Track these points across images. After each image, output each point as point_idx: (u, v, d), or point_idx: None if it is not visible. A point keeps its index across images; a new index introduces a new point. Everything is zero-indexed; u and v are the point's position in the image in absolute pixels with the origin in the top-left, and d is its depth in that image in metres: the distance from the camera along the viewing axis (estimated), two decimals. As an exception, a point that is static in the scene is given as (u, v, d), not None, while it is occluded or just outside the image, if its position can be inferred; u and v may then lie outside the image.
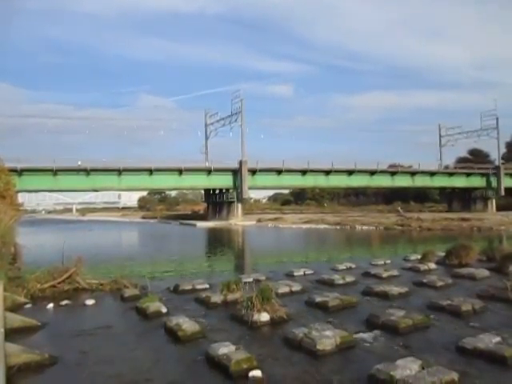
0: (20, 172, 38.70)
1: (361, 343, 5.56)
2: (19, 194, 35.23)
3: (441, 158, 64.59)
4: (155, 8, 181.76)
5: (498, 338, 5.34)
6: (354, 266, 11.89)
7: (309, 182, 52.12)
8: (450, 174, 58.60)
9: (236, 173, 48.13)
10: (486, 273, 10.29)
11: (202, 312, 7.36)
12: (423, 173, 56.77)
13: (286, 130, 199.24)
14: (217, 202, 52.91)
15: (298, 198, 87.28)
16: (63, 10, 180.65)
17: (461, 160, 70.08)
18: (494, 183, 58.07)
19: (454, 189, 61.10)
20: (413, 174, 56.67)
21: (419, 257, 13.24)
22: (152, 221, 60.53)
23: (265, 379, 4.51)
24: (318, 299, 7.62)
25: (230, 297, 7.88)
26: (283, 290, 8.60)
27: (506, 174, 58.57)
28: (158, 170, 45.26)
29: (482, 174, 58.92)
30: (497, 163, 60.80)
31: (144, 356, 5.32)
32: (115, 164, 43.68)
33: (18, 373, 4.75)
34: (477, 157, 70.77)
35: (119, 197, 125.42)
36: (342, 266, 11.71)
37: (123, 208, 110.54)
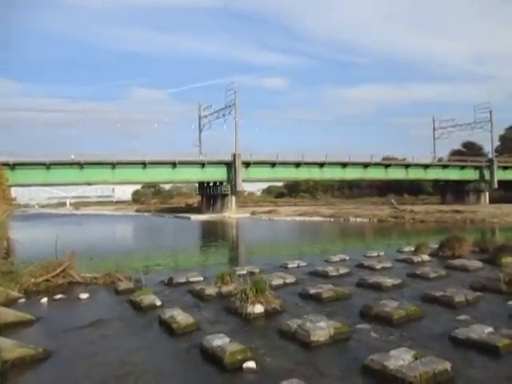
0: (12, 166, 38.40)
1: (354, 334, 5.59)
2: (12, 189, 34.99)
3: (434, 151, 64.88)
4: (150, 0, 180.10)
5: (491, 329, 5.39)
6: (347, 257, 11.94)
7: (303, 174, 52.19)
8: (444, 167, 58.86)
9: (230, 165, 48.08)
10: (478, 264, 10.37)
11: (197, 304, 7.37)
12: (417, 165, 56.97)
13: (280, 123, 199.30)
14: (211, 194, 52.88)
15: (292, 190, 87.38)
16: (57, 2, 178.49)
17: (454, 153, 70.37)
18: (487, 176, 58.41)
19: (447, 181, 61.39)
20: (407, 166, 56.86)
21: (413, 249, 13.31)
22: (146, 214, 60.39)
23: (259, 370, 4.53)
24: (312, 291, 7.64)
25: (225, 289, 7.89)
26: (277, 282, 8.62)
27: (499, 167, 58.92)
28: (152, 164, 45.11)
29: (476, 167, 59.23)
30: (490, 156, 61.15)
31: (139, 348, 5.33)
32: (109, 157, 43.47)
33: (13, 367, 4.73)
34: (470, 149, 71.10)
35: (113, 190, 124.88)
36: (335, 258, 11.74)
37: (117, 202, 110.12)
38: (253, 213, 47.84)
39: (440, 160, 62.67)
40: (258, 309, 6.52)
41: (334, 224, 34.67)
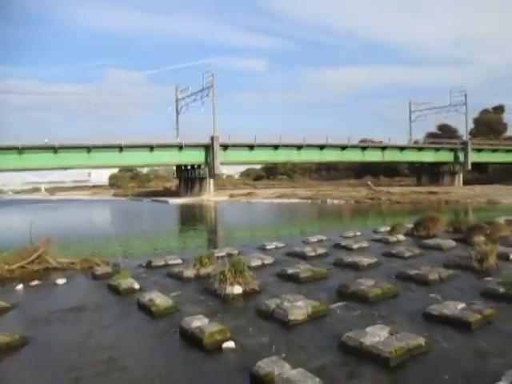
0: (-18, 150, 37.29)
1: (332, 312, 5.69)
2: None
3: (410, 133, 65.85)
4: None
5: (463, 305, 5.55)
6: (325, 238, 12.07)
7: (281, 156, 52.28)
8: (420, 149, 59.79)
9: (208, 148, 47.77)
10: (452, 243, 10.63)
11: (175, 287, 7.35)
12: (393, 147, 57.71)
13: (259, 105, 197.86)
14: (189, 178, 52.56)
15: (270, 173, 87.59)
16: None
17: (430, 135, 71.53)
18: (461, 158, 59.64)
19: (422, 163, 62.45)
20: (383, 148, 57.52)
21: (388, 229, 13.53)
22: (123, 198, 59.70)
23: (238, 350, 4.58)
24: (290, 271, 7.72)
25: (203, 271, 7.89)
26: (255, 263, 8.67)
27: (473, 150, 60.18)
28: (129, 147, 44.43)
29: (450, 149, 60.37)
30: (465, 138, 62.38)
31: (117, 333, 5.30)
32: (84, 141, 42.59)
33: (-12, 354, 4.66)
34: (445, 132, 72.38)
35: (89, 175, 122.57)
36: (313, 239, 11.85)
37: (94, 186, 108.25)
38: (231, 196, 47.82)
39: (416, 142, 63.65)
40: (237, 289, 6.56)
41: (311, 206, 34.97)
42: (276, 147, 50.57)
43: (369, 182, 55.61)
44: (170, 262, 9.24)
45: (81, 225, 24.92)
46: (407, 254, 9.42)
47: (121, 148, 43.95)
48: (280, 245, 11.16)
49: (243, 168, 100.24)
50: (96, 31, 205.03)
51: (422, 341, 4.48)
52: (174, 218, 30.06)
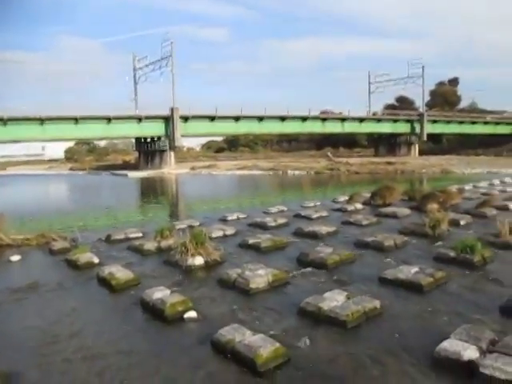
0: None
1: (292, 280, 5.82)
2: None
3: (369, 105, 66.66)
4: None
5: (416, 269, 5.82)
6: (285, 208, 12.22)
7: (242, 128, 51.87)
8: (378, 121, 60.82)
9: (168, 120, 46.69)
10: (407, 211, 11.04)
11: (136, 260, 7.29)
12: (353, 119, 58.38)
13: (220, 76, 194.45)
14: (149, 150, 51.39)
15: (232, 145, 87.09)
16: None
17: (388, 107, 72.85)
18: (417, 129, 61.15)
19: (380, 134, 63.68)
20: (343, 120, 58.11)
21: (347, 198, 13.87)
22: (81, 172, 57.80)
23: (200, 319, 4.62)
24: (251, 241, 7.80)
25: (164, 243, 7.84)
26: (217, 234, 8.71)
27: (429, 121, 61.76)
28: (85, 119, 42.69)
29: (407, 121, 61.73)
30: (421, 110, 63.89)
31: (76, 308, 5.20)
32: (37, 113, 40.49)
33: None
34: (403, 104, 73.89)
35: (43, 149, 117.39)
36: (274, 210, 11.99)
37: (49, 160, 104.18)
38: (192, 168, 47.28)
39: (375, 114, 64.63)
40: (198, 260, 6.58)
41: (272, 177, 35.19)
42: (237, 119, 50.10)
43: (329, 153, 56.32)
44: (131, 236, 9.11)
45: (36, 200, 24.02)
46: (364, 222, 9.71)
47: (76, 120, 42.18)
48: (241, 216, 11.22)
49: (204, 140, 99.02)
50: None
51: (377, 304, 4.68)
52: (133, 191, 29.52)
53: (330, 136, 68.35)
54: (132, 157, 64.70)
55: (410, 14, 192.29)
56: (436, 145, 66.90)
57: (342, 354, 3.76)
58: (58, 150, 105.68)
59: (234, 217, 11.11)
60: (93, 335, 4.42)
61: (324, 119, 56.71)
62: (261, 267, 5.97)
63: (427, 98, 71.06)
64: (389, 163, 41.12)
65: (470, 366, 3.35)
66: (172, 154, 49.08)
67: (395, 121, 61.34)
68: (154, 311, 4.81)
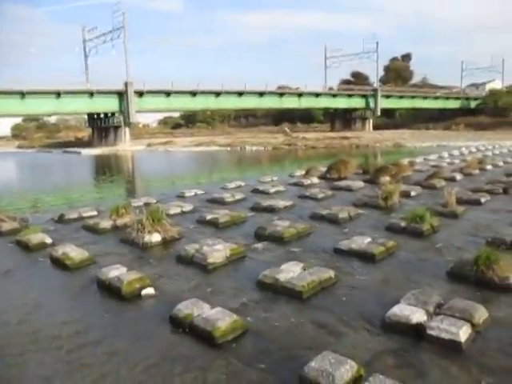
0: None
1: (250, 254, 5.89)
2: None
3: (325, 80, 67.20)
4: None
5: (369, 239, 6.03)
6: (243, 184, 12.25)
7: (199, 104, 51.05)
8: (334, 96, 61.46)
9: (122, 95, 45.18)
10: (361, 184, 11.35)
11: (91, 239, 7.12)
12: (309, 94, 58.70)
13: (175, 50, 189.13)
14: (102, 127, 49.74)
15: (189, 121, 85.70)
16: None
17: (344, 82, 73.70)
18: (371, 104, 62.38)
19: (336, 109, 64.54)
20: (300, 95, 58.31)
21: (303, 173, 14.06)
22: (30, 150, 55.30)
23: (158, 295, 4.61)
24: (209, 217, 7.80)
25: (120, 221, 7.69)
26: (174, 210, 8.63)
27: (383, 96, 63.09)
28: (32, 93, 40.52)
29: (362, 96, 62.78)
30: (375, 85, 65.05)
31: (28, 289, 5.02)
32: (-23, 87, 38.15)
33: None
34: (358, 79, 75.04)
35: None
36: (231, 185, 11.98)
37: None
38: (148, 145, 46.32)
39: (331, 89, 65.24)
40: (156, 237, 6.52)
41: (230, 153, 35.09)
42: (194, 94, 49.18)
43: (286, 129, 56.65)
44: (85, 215, 8.85)
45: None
46: (320, 195, 9.91)
47: (22, 94, 39.98)
48: (199, 192, 11.15)
49: (161, 116, 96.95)
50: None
51: (331, 273, 4.83)
52: (87, 169, 28.63)
53: (288, 111, 68.59)
54: (85, 134, 62.55)
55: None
56: (389, 119, 68.62)
57: (298, 323, 3.87)
58: (2, 127, 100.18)
59: (192, 193, 11.03)
60: (47, 317, 4.29)
61: (281, 94, 56.69)
62: (219, 242, 6.00)
63: (381, 73, 72.59)
64: (344, 138, 41.92)
65: (419, 329, 3.55)
66: (127, 130, 47.77)
67: (350, 96, 62.22)
68: (110, 290, 4.75)
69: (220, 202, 9.64)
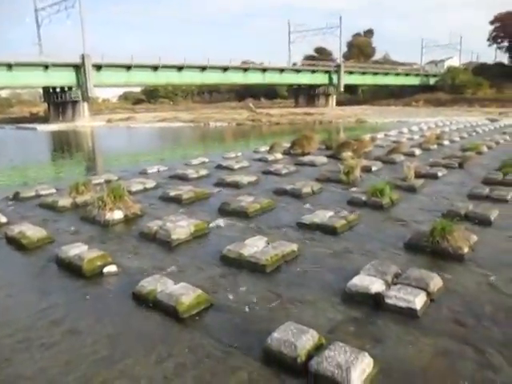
0: None
1: (214, 230, 5.89)
2: None
3: (289, 55, 66.94)
4: None
5: (331, 213, 6.14)
6: (207, 160, 12.14)
7: (161, 78, 49.81)
8: (297, 71, 61.38)
9: (79, 69, 43.40)
10: (324, 159, 11.49)
11: (50, 217, 6.89)
12: (273, 69, 58.38)
13: (137, 21, 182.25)
14: (59, 102, 47.73)
15: (151, 96, 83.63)
16: None
17: (307, 58, 73.61)
18: (335, 80, 62.78)
19: (300, 85, 64.62)
20: (264, 70, 57.89)
21: (268, 148, 14.07)
22: (-20, 126, 52.61)
23: (120, 273, 4.55)
24: (172, 193, 7.71)
25: (80, 199, 7.48)
26: (137, 187, 8.47)
27: (346, 72, 63.57)
28: (-20, 66, 38.42)
29: (325, 72, 63.02)
30: (338, 61, 65.32)
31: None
32: None
33: None
34: (322, 55, 75.13)
35: None
36: (195, 161, 11.86)
37: None
38: (109, 120, 44.96)
39: (294, 64, 65.07)
40: (117, 215, 6.39)
41: (194, 129, 34.63)
42: (155, 68, 47.87)
43: (250, 104, 56.30)
44: (42, 193, 8.54)
45: None
46: (284, 171, 9.97)
47: (-30, 67, 37.89)
48: (162, 168, 10.98)
49: (121, 91, 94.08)
50: None
51: (294, 247, 4.91)
52: (44, 146, 27.56)
53: (252, 87, 68.11)
54: (41, 109, 59.95)
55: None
56: (352, 96, 69.44)
57: (261, 296, 3.92)
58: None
59: (155, 170, 10.84)
60: (3, 299, 4.13)
61: (245, 69, 56.09)
62: (182, 218, 5.96)
63: (345, 49, 72.84)
64: (308, 114, 42.17)
65: (377, 298, 3.68)
66: (86, 105, 46.16)
67: (314, 72, 62.33)
68: (71, 268, 4.65)
69: (183, 179, 9.53)
